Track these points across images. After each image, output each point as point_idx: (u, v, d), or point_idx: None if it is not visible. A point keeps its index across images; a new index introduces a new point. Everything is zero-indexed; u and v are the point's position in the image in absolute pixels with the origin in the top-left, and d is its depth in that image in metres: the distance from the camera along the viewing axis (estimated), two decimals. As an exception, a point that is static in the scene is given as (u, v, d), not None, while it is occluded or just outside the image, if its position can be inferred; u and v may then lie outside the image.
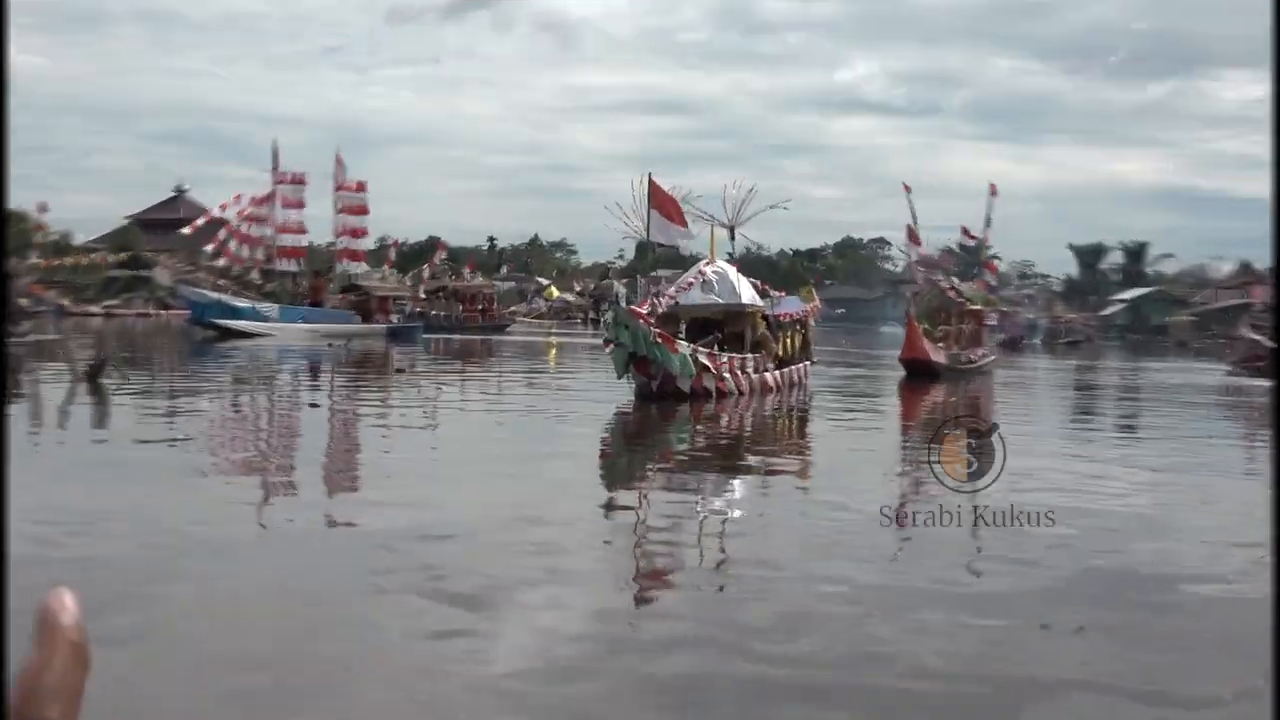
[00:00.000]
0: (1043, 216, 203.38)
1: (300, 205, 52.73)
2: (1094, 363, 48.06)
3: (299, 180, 52.53)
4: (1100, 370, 42.14)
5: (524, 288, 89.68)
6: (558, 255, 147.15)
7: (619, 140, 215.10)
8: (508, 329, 64.96)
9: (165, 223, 79.08)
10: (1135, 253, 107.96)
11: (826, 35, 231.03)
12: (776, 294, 26.46)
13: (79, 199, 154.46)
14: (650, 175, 21.88)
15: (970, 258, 41.86)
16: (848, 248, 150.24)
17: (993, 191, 37.72)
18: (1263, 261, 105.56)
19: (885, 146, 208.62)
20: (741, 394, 21.95)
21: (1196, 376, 36.51)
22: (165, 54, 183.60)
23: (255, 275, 50.43)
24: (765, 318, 24.24)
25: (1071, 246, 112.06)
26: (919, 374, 30.12)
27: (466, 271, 70.96)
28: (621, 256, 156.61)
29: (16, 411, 15.61)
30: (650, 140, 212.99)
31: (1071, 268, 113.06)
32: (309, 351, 36.66)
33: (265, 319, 46.64)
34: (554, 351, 43.64)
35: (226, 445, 14.67)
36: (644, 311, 20.16)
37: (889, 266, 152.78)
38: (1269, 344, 36.25)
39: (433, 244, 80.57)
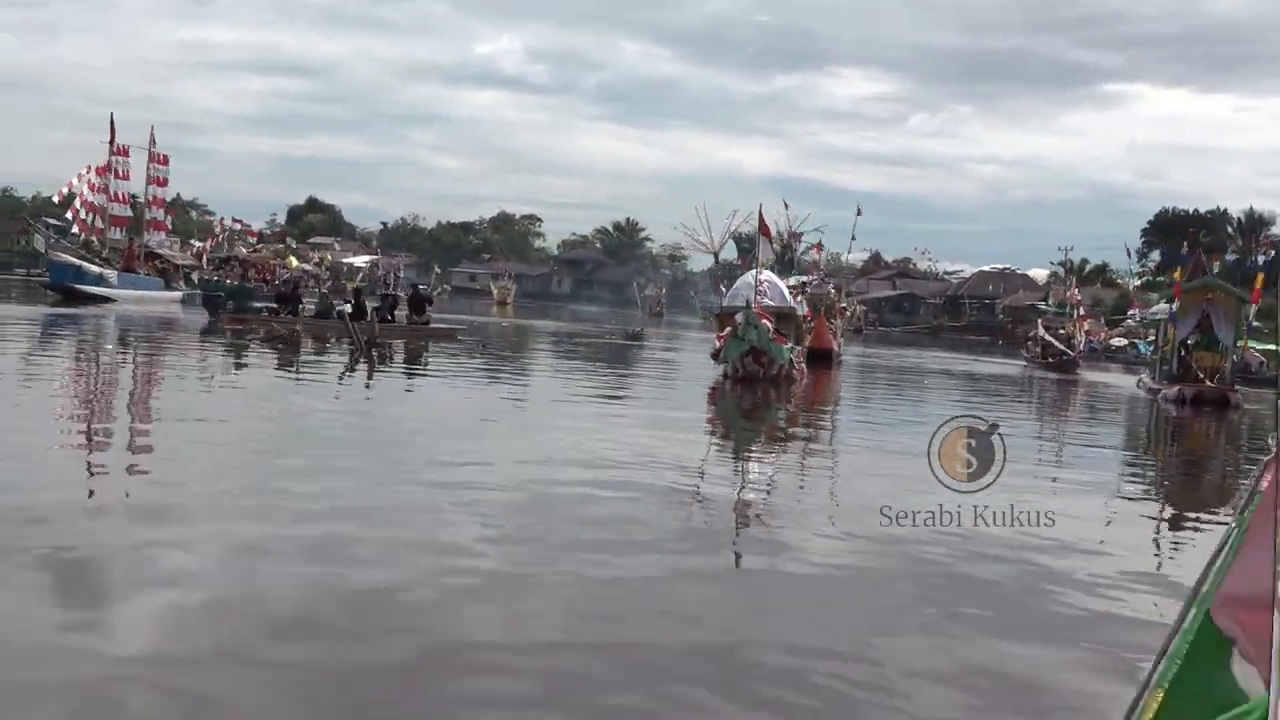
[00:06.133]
0: (670, 200, 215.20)
1: (128, 177, 54.03)
2: (885, 350, 57.21)
3: (126, 152, 53.79)
4: (905, 358, 50.62)
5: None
6: (193, 216, 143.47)
7: (237, 100, 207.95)
8: (289, 297, 67.52)
9: None
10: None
11: (461, 8, 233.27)
12: None
13: None
14: (760, 207, 28.46)
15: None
16: (503, 222, 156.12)
17: (858, 212, 47.61)
18: (891, 252, 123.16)
19: (514, 121, 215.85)
20: (797, 380, 28.64)
21: (1006, 369, 46.23)
22: None
23: (97, 242, 51.06)
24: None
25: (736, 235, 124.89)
26: (822, 360, 37.78)
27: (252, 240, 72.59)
28: (274, 220, 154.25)
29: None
30: (269, 101, 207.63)
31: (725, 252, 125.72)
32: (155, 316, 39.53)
33: (110, 285, 48.27)
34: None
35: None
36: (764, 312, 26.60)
37: (540, 244, 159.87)
38: (1058, 345, 47.38)
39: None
